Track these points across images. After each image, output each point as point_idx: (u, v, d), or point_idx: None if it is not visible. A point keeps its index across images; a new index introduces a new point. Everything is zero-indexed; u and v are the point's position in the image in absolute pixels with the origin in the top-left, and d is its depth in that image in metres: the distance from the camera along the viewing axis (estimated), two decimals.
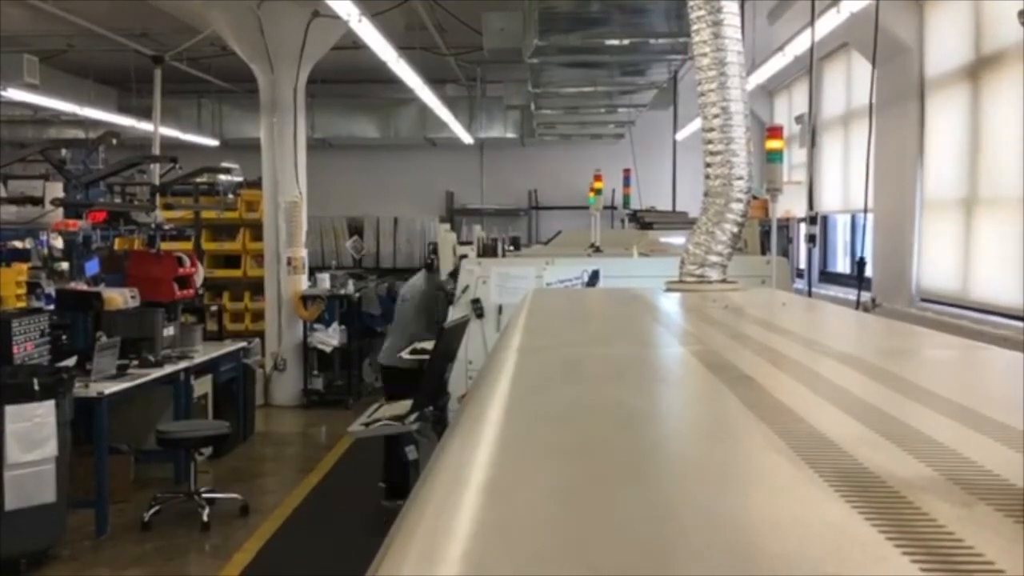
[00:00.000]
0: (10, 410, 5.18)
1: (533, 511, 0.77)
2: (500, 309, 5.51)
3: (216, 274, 11.38)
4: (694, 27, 3.21)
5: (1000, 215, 6.41)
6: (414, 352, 6.36)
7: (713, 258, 3.21)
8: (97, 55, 12.24)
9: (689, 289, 3.16)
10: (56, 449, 5.36)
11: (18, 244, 9.27)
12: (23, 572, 5.40)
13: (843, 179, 10.22)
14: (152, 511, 6.32)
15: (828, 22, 6.52)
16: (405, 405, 4.27)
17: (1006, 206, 6.27)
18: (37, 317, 6.13)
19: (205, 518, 6.32)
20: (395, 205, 15.41)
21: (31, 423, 5.25)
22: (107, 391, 6.09)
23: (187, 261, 8.04)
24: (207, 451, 7.52)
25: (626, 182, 13.23)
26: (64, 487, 5.46)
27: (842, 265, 10.99)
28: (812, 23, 6.24)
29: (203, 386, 7.94)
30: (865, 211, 7.72)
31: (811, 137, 9.58)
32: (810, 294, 8.12)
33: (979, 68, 6.82)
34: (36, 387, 5.29)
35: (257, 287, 11.13)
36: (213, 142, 14.76)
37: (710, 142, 3.20)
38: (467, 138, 14.69)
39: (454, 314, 5.54)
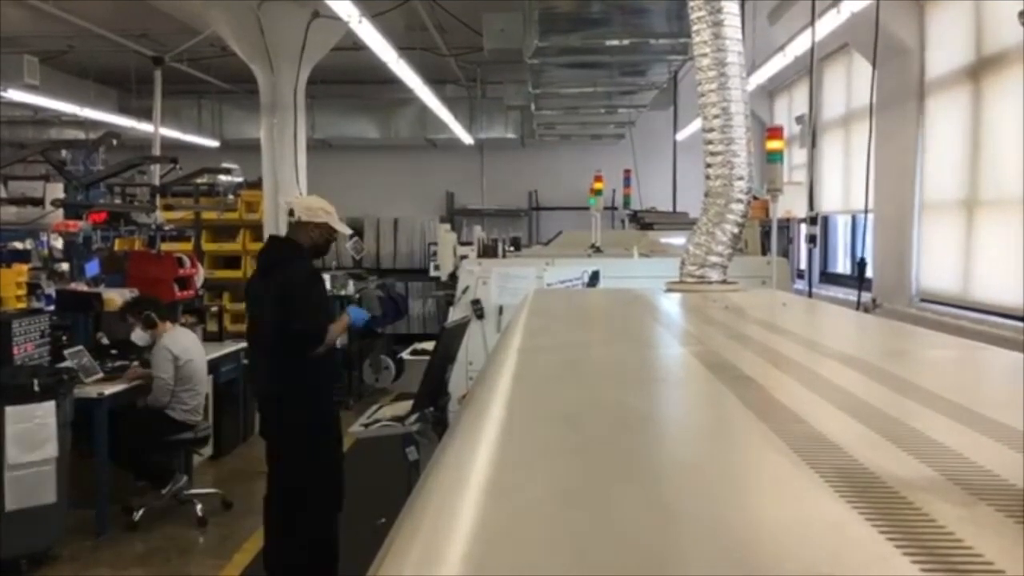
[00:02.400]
0: (11, 411, 5.18)
1: (534, 512, 0.77)
2: (500, 310, 5.50)
3: (216, 275, 11.37)
4: (694, 27, 3.21)
5: (1001, 216, 6.41)
6: (414, 353, 6.36)
7: (713, 259, 3.22)
8: (97, 56, 12.24)
9: (689, 290, 3.16)
10: (56, 450, 5.36)
11: (18, 245, 9.27)
12: (24, 572, 5.40)
13: (843, 180, 10.23)
14: (141, 511, 6.35)
15: (828, 23, 6.52)
16: (405, 406, 4.27)
17: (1007, 207, 6.27)
18: (37, 318, 6.12)
19: (200, 513, 6.42)
20: (395, 205, 15.41)
21: (32, 424, 5.25)
22: (107, 392, 6.09)
23: (187, 262, 8.04)
24: (206, 451, 7.52)
25: (626, 182, 13.23)
26: (64, 488, 5.46)
27: (842, 266, 10.99)
28: (812, 23, 6.24)
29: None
30: (866, 212, 7.72)
31: (811, 138, 9.58)
32: (810, 295, 8.12)
33: (980, 69, 6.82)
34: (37, 388, 5.29)
35: None
36: (213, 143, 14.76)
37: (710, 142, 3.21)
38: (467, 139, 14.69)
39: (454, 315, 5.54)
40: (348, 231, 5.29)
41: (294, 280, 4.70)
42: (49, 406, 5.33)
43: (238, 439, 8.41)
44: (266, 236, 10.39)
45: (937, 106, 7.56)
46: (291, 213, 4.89)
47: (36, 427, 5.27)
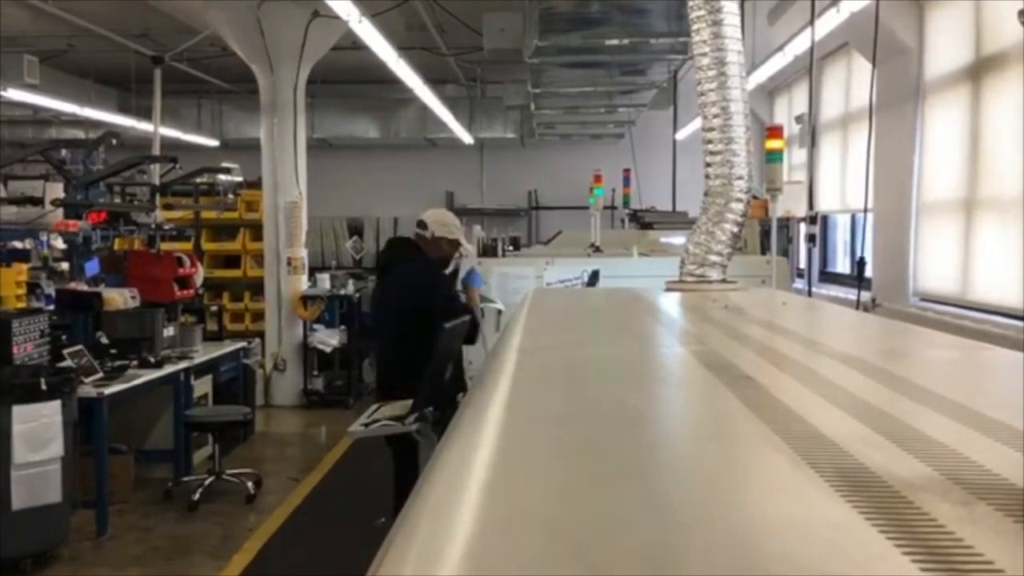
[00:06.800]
0: (17, 410, 5.18)
1: (533, 511, 0.77)
2: (500, 310, 5.51)
3: (216, 274, 11.37)
4: (694, 27, 3.21)
5: (1000, 215, 6.41)
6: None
7: (713, 258, 3.22)
8: (97, 55, 12.24)
9: (689, 289, 3.16)
10: (62, 449, 5.36)
11: (18, 244, 9.26)
12: (28, 572, 5.39)
13: (843, 179, 10.23)
14: (199, 490, 6.74)
15: (828, 22, 6.52)
16: (405, 405, 4.26)
17: (1006, 206, 6.27)
18: (37, 317, 6.12)
19: (252, 490, 6.87)
20: (395, 205, 15.41)
21: (38, 423, 5.24)
22: (107, 391, 6.08)
23: (187, 261, 8.03)
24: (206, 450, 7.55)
25: (626, 182, 13.24)
26: (69, 487, 5.46)
27: (842, 265, 10.99)
28: (812, 23, 6.24)
29: (203, 386, 7.93)
30: (865, 211, 7.72)
31: (811, 137, 9.59)
32: (810, 294, 8.12)
33: (979, 69, 6.82)
34: (43, 387, 5.29)
35: (257, 287, 11.12)
36: (213, 142, 14.76)
37: (710, 142, 3.21)
38: (467, 138, 14.69)
39: None
40: (473, 249, 5.48)
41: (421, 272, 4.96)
42: (55, 405, 5.32)
43: (238, 439, 8.41)
44: (266, 235, 10.45)
45: (937, 106, 7.56)
46: (423, 226, 5.05)
47: (42, 426, 5.26)
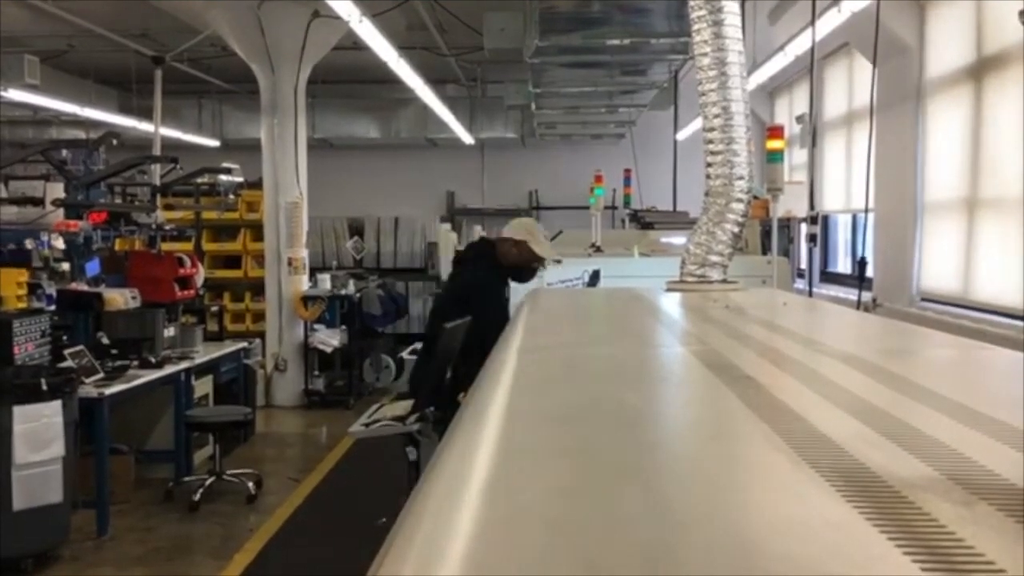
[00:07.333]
0: (18, 410, 5.18)
1: (534, 511, 0.77)
2: None
3: (217, 274, 11.38)
4: (695, 27, 3.21)
5: (1001, 215, 6.41)
6: (414, 352, 6.35)
7: (714, 258, 3.22)
8: (97, 55, 12.24)
9: (690, 289, 3.16)
10: (63, 449, 5.36)
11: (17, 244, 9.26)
12: (28, 572, 5.39)
13: (844, 179, 10.22)
14: (200, 491, 6.75)
15: (829, 22, 6.52)
16: (406, 405, 4.26)
17: (1007, 206, 6.27)
18: (38, 318, 6.12)
19: (252, 490, 6.89)
20: (395, 205, 15.40)
21: (39, 423, 5.25)
22: (108, 391, 6.09)
23: (188, 262, 8.03)
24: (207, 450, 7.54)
25: (627, 182, 13.24)
26: (69, 487, 5.47)
27: (843, 265, 10.99)
28: (813, 23, 6.24)
29: (204, 387, 7.93)
30: (866, 211, 7.72)
31: (812, 137, 9.57)
32: (811, 294, 8.11)
33: (980, 68, 6.82)
34: (44, 387, 5.29)
35: (258, 287, 11.12)
36: (214, 143, 14.76)
37: (711, 142, 3.21)
38: (468, 138, 14.69)
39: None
40: (551, 255, 5.08)
41: (472, 281, 4.75)
42: (56, 405, 5.33)
43: (239, 439, 8.41)
44: (266, 235, 10.46)
45: (938, 105, 7.56)
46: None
47: (43, 426, 5.26)
